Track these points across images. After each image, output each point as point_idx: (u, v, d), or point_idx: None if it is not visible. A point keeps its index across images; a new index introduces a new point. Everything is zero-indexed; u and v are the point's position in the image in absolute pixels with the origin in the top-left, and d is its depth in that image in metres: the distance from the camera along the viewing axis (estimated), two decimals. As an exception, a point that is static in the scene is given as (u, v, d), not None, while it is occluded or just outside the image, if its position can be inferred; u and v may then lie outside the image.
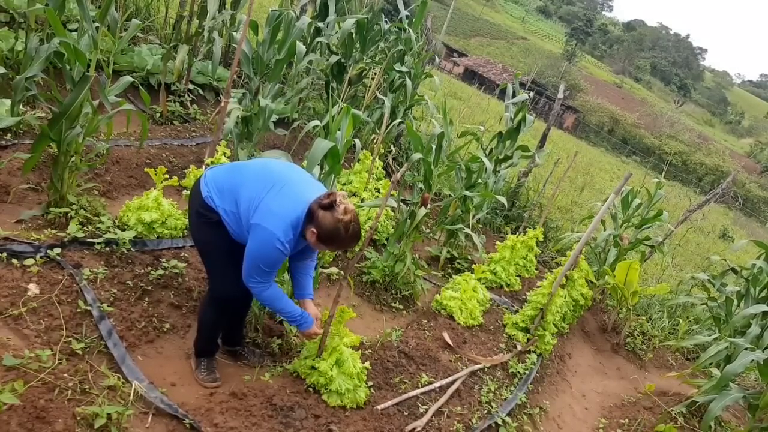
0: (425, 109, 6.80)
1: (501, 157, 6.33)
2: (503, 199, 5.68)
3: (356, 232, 2.49)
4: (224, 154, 4.07)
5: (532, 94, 6.59)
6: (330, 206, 2.42)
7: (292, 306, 2.73)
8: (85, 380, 2.41)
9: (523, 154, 6.47)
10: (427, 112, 6.82)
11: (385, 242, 5.05)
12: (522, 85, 6.84)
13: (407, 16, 7.04)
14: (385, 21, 7.01)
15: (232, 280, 2.67)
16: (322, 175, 3.31)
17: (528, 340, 4.55)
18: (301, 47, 4.87)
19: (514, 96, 6.52)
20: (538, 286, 4.84)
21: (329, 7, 6.24)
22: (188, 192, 3.95)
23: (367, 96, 6.56)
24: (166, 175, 3.79)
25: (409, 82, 6.58)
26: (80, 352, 2.58)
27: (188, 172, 3.96)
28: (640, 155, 42.21)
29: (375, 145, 5.75)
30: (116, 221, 3.56)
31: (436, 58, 7.38)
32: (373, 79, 6.66)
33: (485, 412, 3.53)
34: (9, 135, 4.08)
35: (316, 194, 2.51)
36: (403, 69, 6.60)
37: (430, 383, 3.49)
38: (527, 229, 6.41)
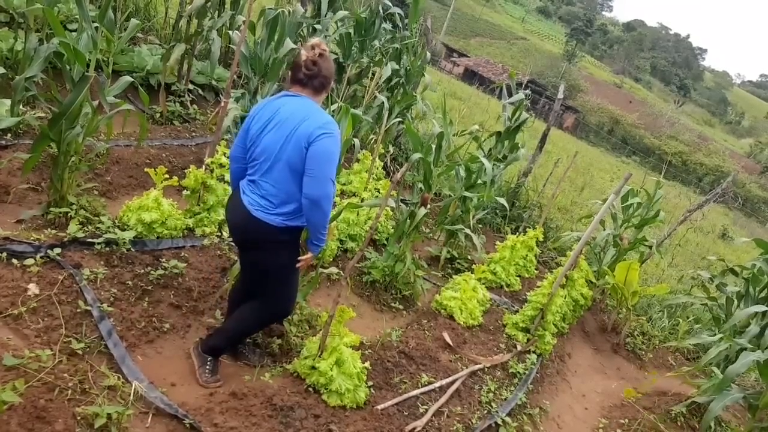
0: (424, 108, 6.80)
1: (500, 156, 6.33)
2: (503, 201, 5.66)
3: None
4: (224, 154, 4.08)
5: (528, 92, 6.57)
6: (320, 58, 2.55)
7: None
8: (85, 380, 2.41)
9: (515, 154, 6.48)
10: (428, 112, 6.81)
11: (385, 242, 5.04)
12: (519, 84, 6.82)
13: (400, 15, 7.05)
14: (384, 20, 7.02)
15: (295, 294, 2.89)
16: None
17: (528, 340, 4.55)
18: (289, 43, 4.85)
19: (510, 95, 6.51)
20: (538, 286, 4.84)
21: (324, 7, 6.25)
22: (188, 193, 3.98)
23: (366, 96, 6.56)
24: (166, 175, 3.79)
25: (374, 80, 6.52)
26: (80, 352, 2.58)
27: (188, 172, 3.96)
28: (640, 155, 42.19)
29: (374, 145, 5.75)
30: (116, 221, 3.56)
31: (428, 54, 7.36)
32: (371, 78, 6.66)
33: (485, 412, 3.53)
34: (9, 135, 4.08)
35: (285, 100, 2.61)
36: (397, 67, 6.59)
37: (430, 383, 3.49)
38: (527, 229, 6.41)
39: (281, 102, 2.63)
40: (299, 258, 2.74)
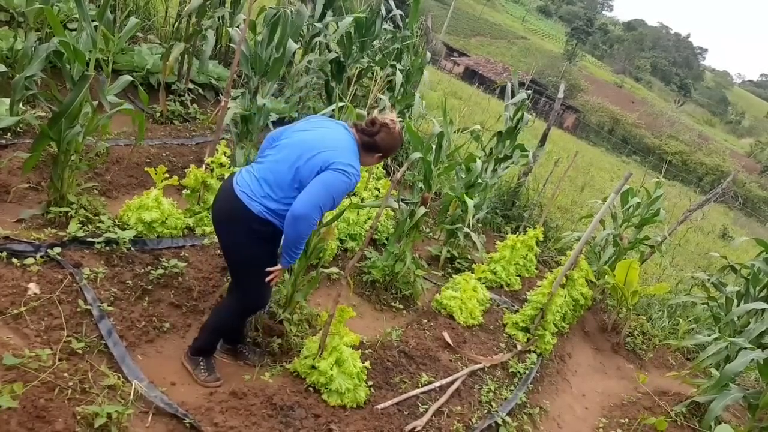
0: (425, 108, 6.79)
1: (501, 156, 6.33)
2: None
3: (402, 133, 2.83)
4: (224, 153, 4.08)
5: (530, 92, 6.56)
6: (381, 127, 2.69)
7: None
8: (85, 380, 2.41)
9: (522, 153, 6.46)
10: (427, 112, 6.81)
11: (385, 242, 5.04)
12: (521, 84, 6.82)
13: (401, 15, 7.05)
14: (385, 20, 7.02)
15: (268, 290, 2.83)
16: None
17: (528, 339, 4.55)
18: (292, 44, 4.84)
19: (513, 95, 6.51)
20: (538, 286, 4.84)
21: (323, 7, 6.23)
22: (188, 192, 3.97)
23: (371, 96, 6.55)
24: (166, 175, 3.79)
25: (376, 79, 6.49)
26: (80, 351, 2.58)
27: (188, 172, 3.96)
28: (641, 155, 42.17)
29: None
30: (116, 220, 3.56)
31: (428, 55, 7.35)
32: (371, 78, 6.66)
33: (485, 411, 3.53)
34: (9, 134, 4.08)
35: (339, 127, 2.74)
36: (399, 67, 6.58)
37: (430, 383, 3.49)
38: (527, 229, 6.40)
39: (335, 124, 2.76)
40: (269, 269, 2.70)
